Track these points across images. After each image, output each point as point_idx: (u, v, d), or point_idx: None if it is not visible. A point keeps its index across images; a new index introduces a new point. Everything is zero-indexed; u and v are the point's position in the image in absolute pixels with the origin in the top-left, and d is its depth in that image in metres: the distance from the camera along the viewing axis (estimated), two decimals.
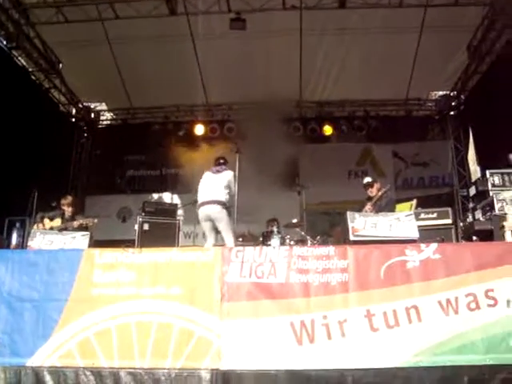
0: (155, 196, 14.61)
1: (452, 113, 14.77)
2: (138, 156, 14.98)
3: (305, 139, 14.90)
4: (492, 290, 5.50)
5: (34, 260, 6.05)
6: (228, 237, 7.79)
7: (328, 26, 11.93)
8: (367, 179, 8.93)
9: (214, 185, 8.00)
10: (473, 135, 11.65)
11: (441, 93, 14.49)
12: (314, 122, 14.87)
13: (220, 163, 8.27)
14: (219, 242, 7.99)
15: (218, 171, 8.15)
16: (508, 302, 5.47)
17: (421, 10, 11.16)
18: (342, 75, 13.32)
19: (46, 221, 8.27)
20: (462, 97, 14.19)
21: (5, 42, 11.28)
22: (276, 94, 13.66)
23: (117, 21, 11.35)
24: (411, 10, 11.03)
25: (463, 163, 13.98)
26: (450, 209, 9.19)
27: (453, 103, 14.52)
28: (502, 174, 7.69)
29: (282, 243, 8.72)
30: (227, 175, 8.07)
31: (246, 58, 12.59)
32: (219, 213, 7.79)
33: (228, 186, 7.99)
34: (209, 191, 7.98)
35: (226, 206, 7.87)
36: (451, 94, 14.33)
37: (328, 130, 14.77)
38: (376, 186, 8.59)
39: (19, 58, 12.01)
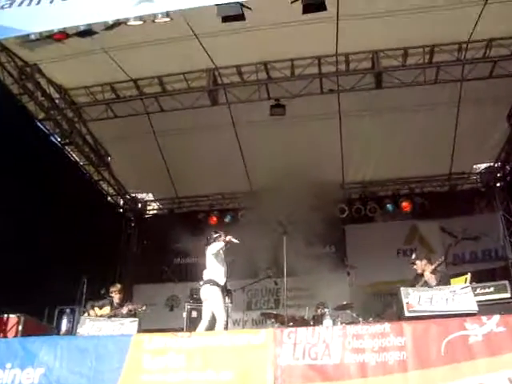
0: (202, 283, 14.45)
1: (498, 184, 14.43)
2: (184, 244, 15.08)
3: (351, 220, 14.78)
4: None
5: (83, 346, 6.03)
6: (219, 317, 7.47)
7: (366, 107, 12.19)
8: (412, 256, 8.72)
9: (206, 261, 7.90)
10: None
11: (485, 165, 14.27)
12: (359, 203, 14.83)
13: (210, 235, 8.15)
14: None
15: (207, 244, 8.04)
16: None
17: (457, 84, 11.24)
18: (384, 155, 13.44)
19: (96, 309, 8.31)
20: (507, 167, 13.90)
21: (59, 139, 11.95)
22: (319, 177, 13.77)
23: (162, 113, 11.88)
24: (447, 84, 11.14)
25: None
26: (507, 282, 8.72)
27: (498, 174, 14.26)
28: None
29: (335, 324, 8.43)
30: (214, 246, 7.91)
31: (287, 143, 12.77)
32: (208, 292, 7.65)
33: (216, 256, 7.82)
34: (204, 270, 7.90)
35: (216, 283, 7.69)
36: (495, 166, 14.08)
37: (373, 210, 14.68)
38: (425, 261, 8.34)
39: (71, 152, 12.64)
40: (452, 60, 10.50)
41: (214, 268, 7.80)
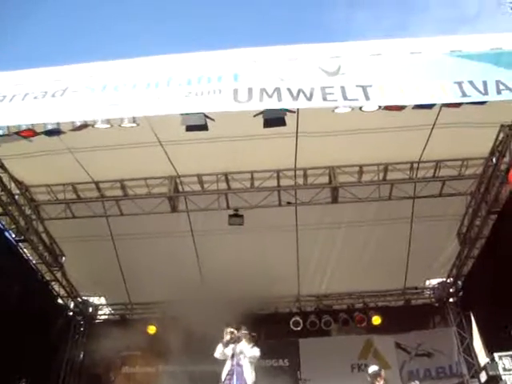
0: None
1: (451, 299, 14.71)
2: (134, 352, 14.49)
3: (305, 333, 14.57)
4: None
5: None
6: None
7: (323, 221, 12.54)
8: (373, 368, 8.56)
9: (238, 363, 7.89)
10: (475, 320, 11.49)
11: (438, 280, 14.65)
12: (314, 316, 14.73)
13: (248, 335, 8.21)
14: None
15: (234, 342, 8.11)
16: None
17: (410, 200, 11.78)
18: (339, 268, 13.67)
19: None
20: (459, 282, 14.23)
21: (13, 235, 11.71)
22: (274, 288, 13.82)
23: (121, 217, 11.91)
24: (401, 201, 11.62)
25: (469, 350, 13.57)
26: None
27: (451, 289, 14.57)
28: None
29: None
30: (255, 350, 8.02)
31: (243, 253, 12.82)
32: None
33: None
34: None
35: None
36: (448, 281, 14.47)
37: (327, 323, 14.59)
38: (383, 374, 8.27)
39: (25, 249, 12.33)
40: (405, 178, 11.04)
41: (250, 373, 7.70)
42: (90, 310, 15.36)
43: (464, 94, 6.25)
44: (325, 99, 6.35)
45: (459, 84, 6.32)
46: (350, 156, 10.72)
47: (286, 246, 13.11)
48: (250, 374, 7.77)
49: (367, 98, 6.32)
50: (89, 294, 15.09)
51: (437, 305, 14.92)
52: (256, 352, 7.99)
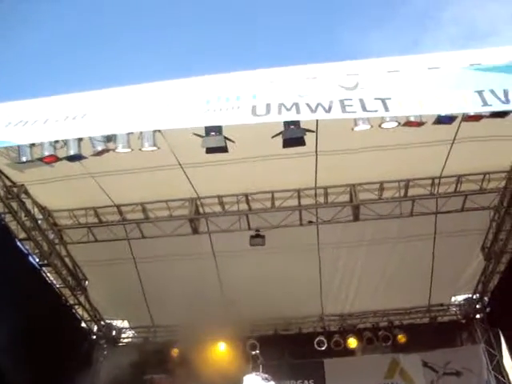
0: None
1: (478, 316, 14.43)
2: (158, 375, 14.47)
3: (330, 352, 14.41)
4: None
5: None
6: None
7: (344, 239, 12.45)
8: None
9: None
10: (504, 337, 11.24)
11: (464, 296, 14.40)
12: (338, 335, 14.59)
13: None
14: None
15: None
16: None
17: (432, 216, 11.64)
18: (362, 286, 13.53)
19: None
20: (486, 298, 13.98)
21: (37, 260, 11.86)
22: (297, 309, 13.74)
23: (142, 239, 11.99)
24: (423, 217, 11.48)
25: (499, 368, 13.27)
26: None
27: (477, 305, 14.30)
28: None
29: None
30: None
31: (266, 273, 12.79)
32: None
33: None
34: None
35: None
36: (474, 297, 14.20)
37: (352, 342, 14.45)
38: None
39: (48, 274, 12.44)
40: (426, 194, 10.92)
41: None
42: (114, 333, 15.35)
43: (485, 103, 6.13)
44: (344, 111, 6.34)
45: (480, 93, 6.22)
46: (371, 173, 10.65)
47: (308, 266, 13.01)
48: None
49: (386, 109, 6.28)
50: (112, 317, 15.13)
51: (463, 321, 14.62)
52: None
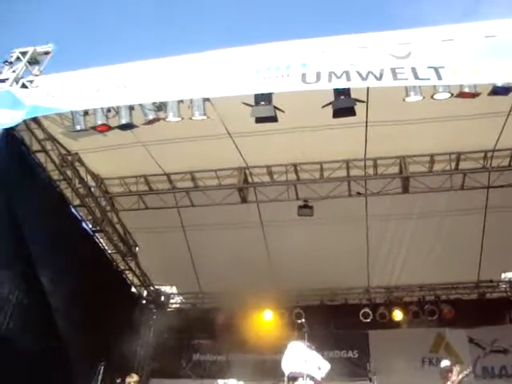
0: (220, 382, 14.08)
1: None
2: (204, 340, 14.82)
3: (375, 325, 14.36)
4: None
5: None
6: None
7: (393, 211, 12.27)
8: (445, 363, 8.34)
9: None
10: None
11: None
12: (384, 308, 14.49)
13: None
14: None
15: None
16: None
17: (483, 190, 11.33)
18: (410, 259, 13.31)
19: None
20: None
21: (90, 226, 12.29)
22: (344, 280, 13.73)
23: (191, 208, 12.17)
24: (474, 191, 11.21)
25: None
26: None
27: None
28: None
29: None
30: None
31: (313, 244, 12.80)
32: None
33: None
34: None
35: None
36: None
37: (398, 315, 14.30)
38: (455, 370, 8.01)
39: (101, 240, 12.86)
40: (478, 167, 10.64)
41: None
42: (162, 298, 15.80)
43: None
44: (395, 78, 6.20)
45: None
46: (421, 145, 10.42)
47: (355, 237, 12.93)
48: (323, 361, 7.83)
49: (439, 77, 6.11)
50: (161, 283, 15.55)
51: None
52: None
